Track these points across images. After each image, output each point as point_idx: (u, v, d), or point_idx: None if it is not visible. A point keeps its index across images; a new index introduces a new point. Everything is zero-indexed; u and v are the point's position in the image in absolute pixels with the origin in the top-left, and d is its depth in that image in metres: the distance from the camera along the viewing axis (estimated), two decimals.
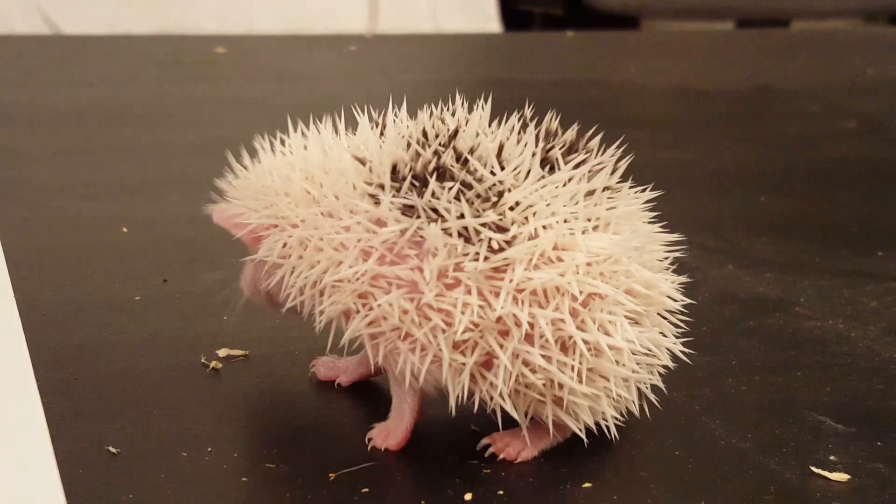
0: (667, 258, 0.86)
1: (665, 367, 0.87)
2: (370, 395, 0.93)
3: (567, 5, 4.25)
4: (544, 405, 0.81)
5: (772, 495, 0.81)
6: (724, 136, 2.00)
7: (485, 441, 0.85)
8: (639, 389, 0.86)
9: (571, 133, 0.84)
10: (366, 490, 0.79)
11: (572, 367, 0.78)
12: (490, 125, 0.83)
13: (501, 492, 0.80)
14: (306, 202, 0.83)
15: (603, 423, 0.84)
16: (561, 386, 0.79)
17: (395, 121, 0.85)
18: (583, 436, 0.83)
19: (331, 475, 0.81)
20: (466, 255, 0.77)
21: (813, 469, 0.85)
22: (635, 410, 0.86)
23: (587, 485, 0.81)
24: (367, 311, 0.80)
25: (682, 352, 0.87)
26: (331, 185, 0.82)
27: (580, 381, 0.79)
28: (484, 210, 0.77)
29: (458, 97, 0.85)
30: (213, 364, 0.97)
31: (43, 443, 0.68)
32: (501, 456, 0.84)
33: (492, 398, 0.80)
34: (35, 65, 2.48)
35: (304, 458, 0.84)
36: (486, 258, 0.76)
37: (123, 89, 2.26)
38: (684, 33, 3.35)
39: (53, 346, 1.00)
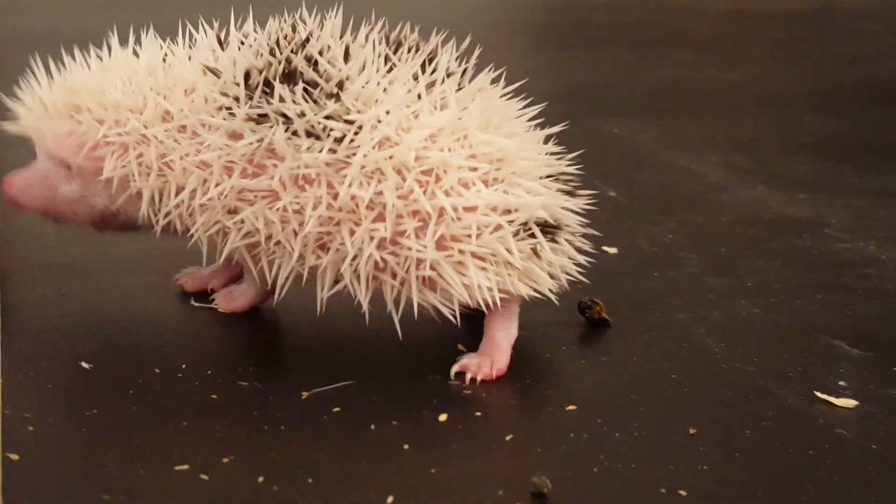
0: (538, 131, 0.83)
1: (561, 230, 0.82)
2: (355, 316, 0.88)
3: None
4: (409, 286, 0.78)
5: (770, 421, 0.77)
6: (774, 58, 1.93)
7: (455, 369, 0.81)
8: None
9: (418, 37, 0.83)
10: (337, 409, 0.76)
11: (426, 235, 0.77)
12: (342, 35, 0.82)
13: (478, 413, 0.77)
14: (160, 118, 0.81)
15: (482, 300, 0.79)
16: (420, 263, 0.77)
17: (240, 32, 0.83)
18: (455, 319, 0.80)
19: (303, 394, 0.77)
20: (311, 150, 0.77)
21: (818, 394, 0.80)
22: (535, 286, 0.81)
23: (571, 407, 0.78)
24: (239, 226, 0.79)
25: (574, 212, 0.83)
26: (180, 98, 0.81)
27: (438, 249, 0.77)
28: (327, 105, 0.77)
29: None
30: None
31: None
32: (480, 377, 0.80)
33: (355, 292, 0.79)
34: None
35: (278, 377, 0.81)
36: (332, 150, 0.76)
37: None
38: None
39: (46, 262, 0.98)
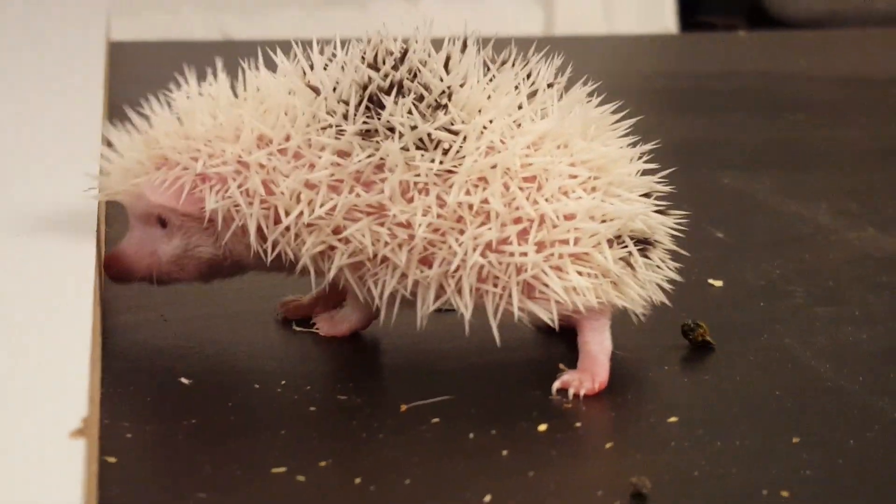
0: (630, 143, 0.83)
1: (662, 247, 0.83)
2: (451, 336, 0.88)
3: (750, 15, 4.14)
4: (509, 295, 0.78)
5: (874, 433, 0.75)
6: (889, 118, 1.91)
7: (557, 385, 0.80)
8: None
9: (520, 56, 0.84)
10: (435, 420, 0.76)
11: (527, 241, 0.77)
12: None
13: (578, 424, 0.76)
14: (256, 143, 0.81)
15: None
16: (521, 268, 0.77)
17: (331, 53, 0.83)
18: (555, 326, 0.79)
19: (402, 407, 0.77)
20: (423, 163, 0.77)
21: None
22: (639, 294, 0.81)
23: (672, 419, 0.77)
24: (345, 245, 0.79)
25: (672, 229, 0.83)
26: (277, 121, 0.81)
27: (538, 252, 0.77)
28: (436, 116, 0.78)
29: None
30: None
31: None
32: (582, 392, 0.79)
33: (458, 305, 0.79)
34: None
35: (377, 392, 0.81)
36: (440, 161, 0.77)
37: None
38: (864, 30, 3.22)
39: (148, 290, 0.98)
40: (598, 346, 0.81)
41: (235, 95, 0.84)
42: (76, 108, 1.36)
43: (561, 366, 0.83)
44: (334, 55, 0.83)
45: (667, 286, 0.83)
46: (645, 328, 0.84)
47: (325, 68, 0.82)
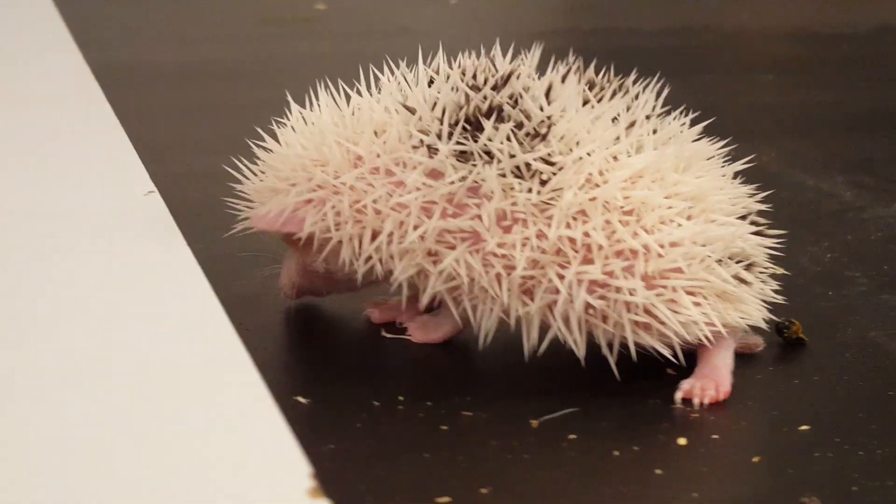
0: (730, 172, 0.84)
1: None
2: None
3: None
4: (623, 328, 0.78)
5: None
6: (856, 78, 1.93)
7: (680, 394, 0.80)
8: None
9: (614, 77, 0.84)
10: (573, 436, 0.75)
11: (633, 275, 0.76)
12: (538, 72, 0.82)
13: (716, 436, 0.76)
14: (347, 165, 0.80)
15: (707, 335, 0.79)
16: (632, 306, 0.76)
17: (429, 71, 0.82)
18: (681, 358, 0.80)
19: (532, 422, 0.77)
20: (521, 192, 0.76)
21: None
22: (756, 319, 0.82)
23: (804, 427, 0.77)
24: (440, 270, 0.78)
25: (770, 249, 0.84)
26: (370, 141, 0.80)
27: (648, 289, 0.76)
28: (534, 146, 0.76)
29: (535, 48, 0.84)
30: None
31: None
32: (707, 401, 0.79)
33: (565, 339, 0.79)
34: (137, 23, 2.45)
35: (498, 406, 0.80)
36: (538, 192, 0.76)
37: (219, 47, 2.22)
38: None
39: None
40: (721, 360, 0.81)
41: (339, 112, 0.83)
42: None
43: (669, 371, 0.83)
44: (437, 73, 0.82)
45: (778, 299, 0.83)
46: None
47: (429, 84, 0.81)
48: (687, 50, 2.11)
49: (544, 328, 0.80)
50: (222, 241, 0.93)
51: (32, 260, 0.87)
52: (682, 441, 0.75)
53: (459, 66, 0.82)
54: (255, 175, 0.86)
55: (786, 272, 0.99)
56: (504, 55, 0.83)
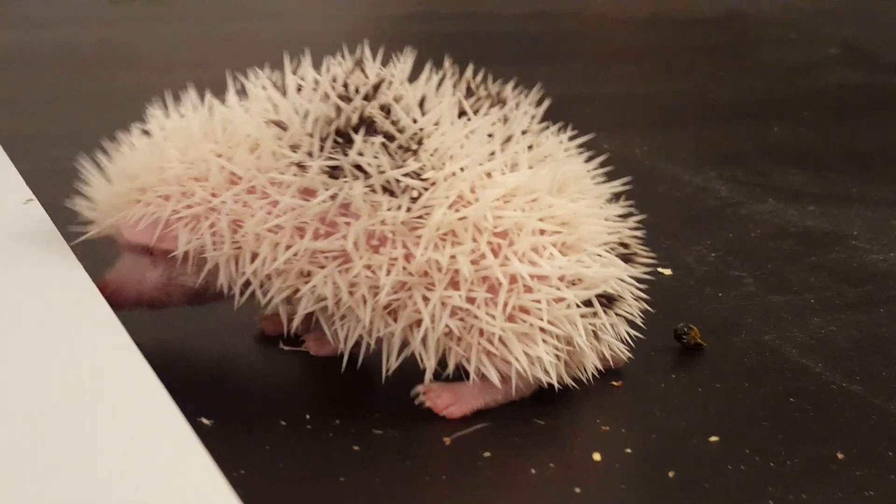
0: (607, 193, 0.82)
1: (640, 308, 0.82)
2: None
3: None
4: (471, 352, 0.76)
5: None
6: (713, 66, 1.96)
7: (418, 389, 0.79)
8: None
9: (492, 84, 0.81)
10: (487, 454, 0.74)
11: (496, 304, 0.74)
12: (410, 77, 0.79)
13: (628, 450, 0.76)
14: (227, 182, 0.77)
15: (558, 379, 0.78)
16: (487, 334, 0.75)
17: (298, 77, 0.78)
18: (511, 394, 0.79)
19: (445, 440, 0.76)
20: (390, 209, 0.73)
21: None
22: (595, 364, 0.80)
23: (714, 438, 0.78)
24: (311, 290, 0.75)
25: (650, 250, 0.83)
26: (245, 158, 0.76)
27: (507, 321, 0.74)
28: (405, 161, 0.73)
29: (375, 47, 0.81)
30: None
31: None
32: (431, 406, 0.79)
33: (422, 360, 0.77)
34: None
35: (409, 423, 0.78)
36: (408, 209, 0.73)
37: (72, 30, 2.16)
38: None
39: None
40: (489, 396, 0.79)
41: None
42: None
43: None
44: (303, 80, 0.78)
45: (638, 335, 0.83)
46: (635, 326, 0.83)
47: (298, 90, 0.77)
48: (548, 37, 2.12)
49: (402, 346, 0.78)
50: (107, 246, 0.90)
51: None
52: (596, 456, 0.75)
53: (329, 72, 0.78)
54: (112, 179, 0.81)
55: (671, 272, 1.01)
56: (374, 55, 0.80)
